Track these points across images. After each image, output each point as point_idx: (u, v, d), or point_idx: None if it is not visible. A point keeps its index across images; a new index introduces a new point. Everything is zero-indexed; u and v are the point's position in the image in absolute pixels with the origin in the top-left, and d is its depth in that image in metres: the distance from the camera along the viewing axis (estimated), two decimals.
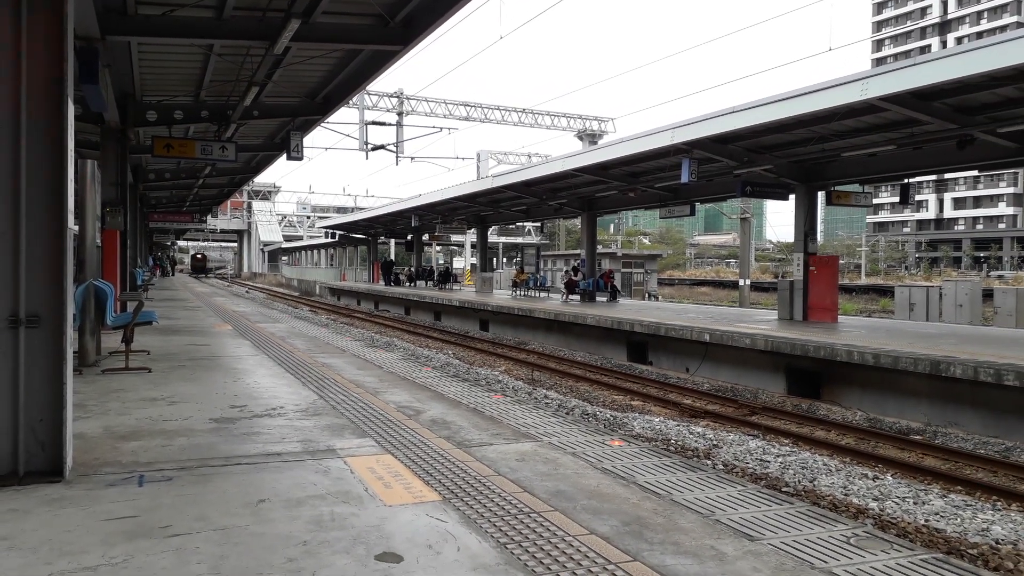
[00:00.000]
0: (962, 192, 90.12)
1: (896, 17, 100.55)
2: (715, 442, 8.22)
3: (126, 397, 6.42)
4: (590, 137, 42.42)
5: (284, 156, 16.57)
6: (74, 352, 6.31)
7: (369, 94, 35.78)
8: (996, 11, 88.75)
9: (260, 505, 3.67)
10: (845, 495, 6.43)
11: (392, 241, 54.24)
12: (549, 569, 2.99)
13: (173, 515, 3.49)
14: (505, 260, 66.32)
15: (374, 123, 35.17)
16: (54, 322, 3.94)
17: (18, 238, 3.86)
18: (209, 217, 55.36)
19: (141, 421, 5.49)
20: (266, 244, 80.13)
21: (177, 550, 3.08)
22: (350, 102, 21.15)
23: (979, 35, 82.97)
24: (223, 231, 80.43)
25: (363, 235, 48.54)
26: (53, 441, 3.95)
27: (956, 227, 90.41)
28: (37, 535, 3.21)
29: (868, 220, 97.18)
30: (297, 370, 8.38)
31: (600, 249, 32.07)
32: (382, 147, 35.06)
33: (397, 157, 36.40)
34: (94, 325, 8.11)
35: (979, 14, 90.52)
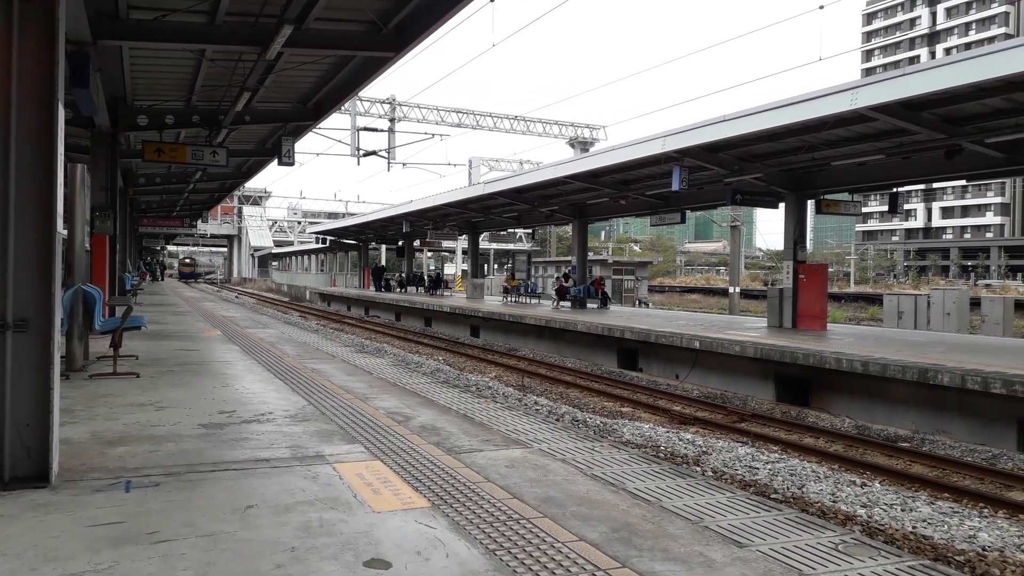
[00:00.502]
0: (950, 201, 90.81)
1: (886, 28, 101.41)
2: (704, 449, 8.24)
3: (114, 402, 6.39)
4: (581, 144, 42.54)
5: (275, 161, 16.57)
6: (61, 357, 6.27)
7: (361, 100, 35.79)
8: (984, 23, 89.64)
9: (248, 511, 3.65)
10: (833, 502, 6.45)
11: (383, 247, 54.14)
12: (538, 575, 2.99)
13: (160, 521, 3.47)
14: (496, 266, 66.31)
15: (366, 129, 35.20)
16: (42, 326, 3.91)
17: (6, 242, 3.84)
18: (199, 222, 55.14)
19: (128, 426, 5.46)
20: (256, 249, 79.84)
21: (164, 556, 3.06)
22: (342, 108, 21.16)
23: (967, 46, 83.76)
24: (213, 236, 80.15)
25: (354, 241, 48.42)
26: (39, 446, 3.92)
27: (944, 236, 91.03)
28: (22, 541, 3.19)
29: (857, 229, 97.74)
30: (286, 376, 8.35)
31: (591, 256, 32.11)
32: (374, 153, 35.09)
33: (389, 163, 36.44)
34: (82, 330, 8.06)
35: (967, 25, 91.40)
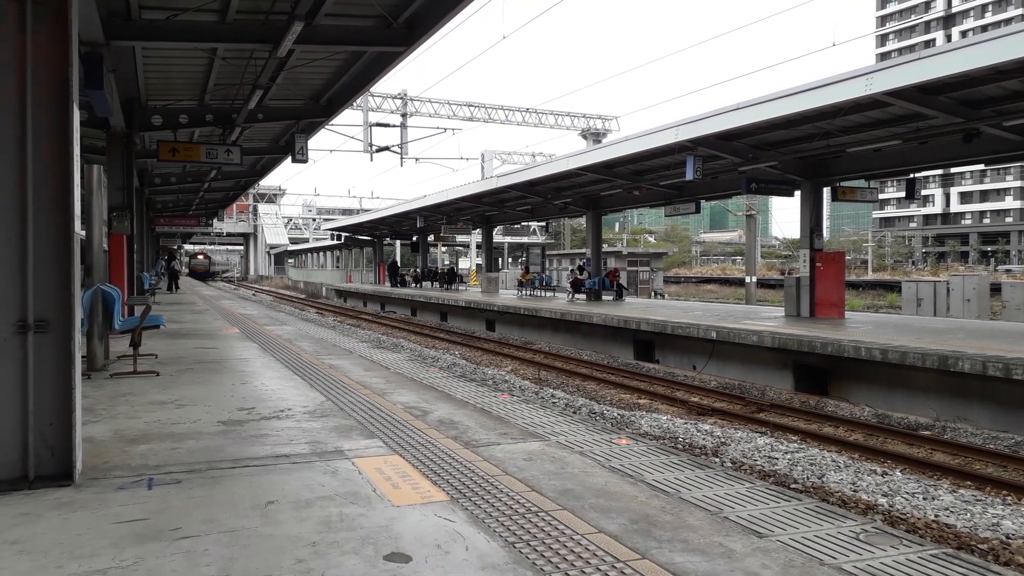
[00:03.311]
0: (968, 186, 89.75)
1: (900, 12, 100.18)
2: (723, 439, 8.20)
3: (135, 401, 6.45)
4: (594, 136, 42.42)
5: (289, 159, 16.61)
6: (82, 357, 6.34)
7: (373, 96, 35.85)
8: (1001, 4, 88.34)
9: (269, 507, 3.68)
10: (854, 491, 6.41)
11: (397, 242, 54.30)
12: (558, 568, 2.99)
13: (182, 517, 3.50)
14: (510, 260, 66.31)
15: (378, 125, 35.27)
16: (62, 327, 3.95)
17: (25, 243, 3.88)
18: (215, 220, 55.47)
19: (150, 424, 5.51)
20: (272, 247, 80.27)
21: (187, 552, 3.09)
22: (354, 104, 21.20)
23: (984, 28, 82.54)
24: (229, 234, 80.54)
25: (368, 236, 48.58)
26: (62, 445, 3.97)
27: (963, 221, 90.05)
28: (48, 539, 3.23)
29: (874, 215, 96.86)
30: (304, 372, 8.40)
31: (605, 248, 32.06)
32: (386, 149, 35.17)
33: (402, 158, 36.50)
34: (102, 330, 8.14)
35: (984, 7, 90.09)
